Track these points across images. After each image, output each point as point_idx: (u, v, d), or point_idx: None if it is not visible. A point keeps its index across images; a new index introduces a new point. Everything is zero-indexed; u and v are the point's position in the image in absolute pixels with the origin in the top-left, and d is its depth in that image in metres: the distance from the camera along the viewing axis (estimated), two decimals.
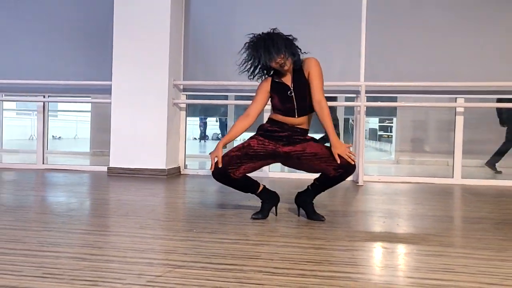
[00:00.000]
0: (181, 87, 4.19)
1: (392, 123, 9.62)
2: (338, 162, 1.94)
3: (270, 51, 1.94)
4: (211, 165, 2.03)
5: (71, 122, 13.29)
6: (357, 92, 3.94)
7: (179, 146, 4.23)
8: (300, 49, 2.06)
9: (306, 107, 2.08)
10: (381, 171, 5.31)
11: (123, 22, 3.89)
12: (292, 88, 2.07)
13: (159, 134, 3.88)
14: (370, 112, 4.10)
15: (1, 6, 4.41)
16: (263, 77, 2.15)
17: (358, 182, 3.71)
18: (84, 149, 7.33)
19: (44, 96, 4.49)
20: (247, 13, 4.10)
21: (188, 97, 4.28)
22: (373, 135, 11.79)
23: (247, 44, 2.02)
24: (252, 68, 2.07)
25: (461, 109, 3.90)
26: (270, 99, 2.16)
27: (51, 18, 4.34)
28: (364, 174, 3.81)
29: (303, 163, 2.06)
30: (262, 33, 2.02)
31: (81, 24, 4.29)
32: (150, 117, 3.87)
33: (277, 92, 2.10)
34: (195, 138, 12.21)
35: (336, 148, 1.96)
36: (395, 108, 6.77)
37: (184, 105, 4.25)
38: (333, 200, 2.76)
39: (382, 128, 11.58)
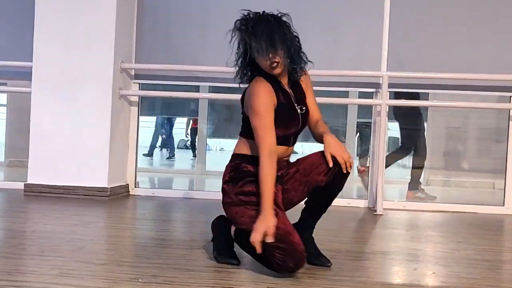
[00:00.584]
0: (132, 72, 4.13)
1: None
2: (330, 165, 1.91)
3: (273, 40, 1.89)
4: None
5: None
6: (377, 86, 3.91)
7: (128, 156, 4.17)
8: (306, 60, 2.04)
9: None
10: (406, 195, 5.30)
11: None
12: (300, 104, 2.08)
13: (98, 138, 3.81)
14: (391, 114, 4.13)
15: None
16: (245, 78, 2.06)
17: (376, 210, 3.68)
18: None
19: None
20: None
21: (142, 86, 4.23)
22: (393, 146, 11.87)
23: (239, 22, 1.95)
24: (238, 60, 2.01)
25: None
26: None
27: None
28: (383, 199, 3.77)
29: (289, 191, 2.04)
30: (264, 12, 1.96)
31: None
32: (87, 114, 3.80)
33: (282, 106, 2.02)
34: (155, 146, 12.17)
35: (330, 146, 1.93)
36: (424, 110, 6.77)
37: (136, 99, 4.18)
38: (342, 235, 2.74)
39: None
